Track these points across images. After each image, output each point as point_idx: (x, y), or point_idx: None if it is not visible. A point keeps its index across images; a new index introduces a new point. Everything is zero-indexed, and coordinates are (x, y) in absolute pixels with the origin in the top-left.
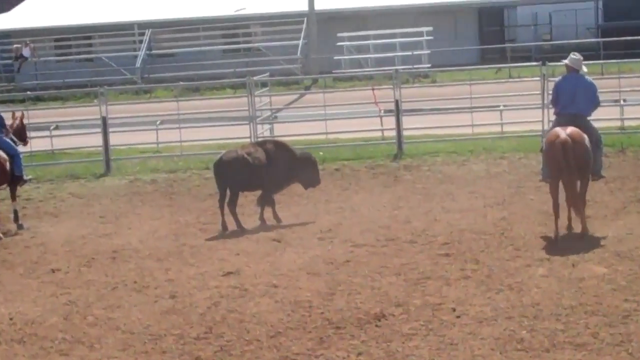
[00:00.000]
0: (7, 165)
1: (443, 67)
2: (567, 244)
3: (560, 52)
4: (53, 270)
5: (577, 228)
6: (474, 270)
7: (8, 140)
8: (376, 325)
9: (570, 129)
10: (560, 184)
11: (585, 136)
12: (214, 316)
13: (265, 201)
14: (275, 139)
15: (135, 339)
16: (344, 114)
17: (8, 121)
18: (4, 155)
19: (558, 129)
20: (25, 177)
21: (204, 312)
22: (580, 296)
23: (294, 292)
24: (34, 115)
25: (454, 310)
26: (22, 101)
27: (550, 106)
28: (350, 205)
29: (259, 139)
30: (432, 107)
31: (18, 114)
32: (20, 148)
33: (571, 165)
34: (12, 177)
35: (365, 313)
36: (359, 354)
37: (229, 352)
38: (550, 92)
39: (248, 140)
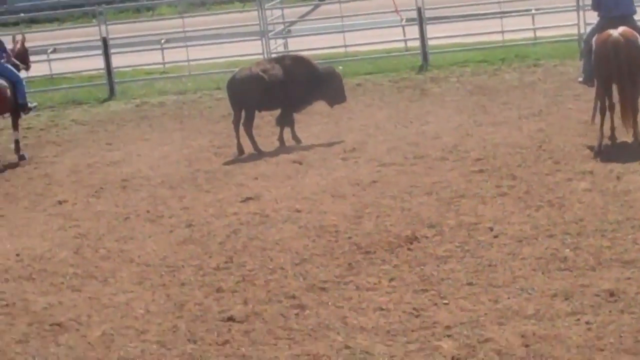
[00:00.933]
0: (8, 92)
1: None
2: (611, 154)
3: None
4: (60, 202)
5: (621, 137)
6: (510, 186)
7: (9, 66)
8: (408, 249)
9: (623, 29)
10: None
11: (639, 36)
12: (234, 245)
13: (285, 121)
14: (295, 53)
15: (151, 272)
16: (363, 25)
17: (8, 45)
18: (4, 83)
19: (609, 30)
20: (29, 105)
21: (223, 241)
22: (626, 210)
23: (319, 217)
24: (30, 39)
25: (491, 229)
26: (16, 24)
27: (589, 9)
28: (374, 122)
29: (276, 55)
30: (459, 14)
31: (19, 37)
32: (23, 73)
33: (623, 66)
34: (15, 105)
35: (395, 236)
36: (391, 279)
37: (251, 282)
38: None
39: (261, 57)
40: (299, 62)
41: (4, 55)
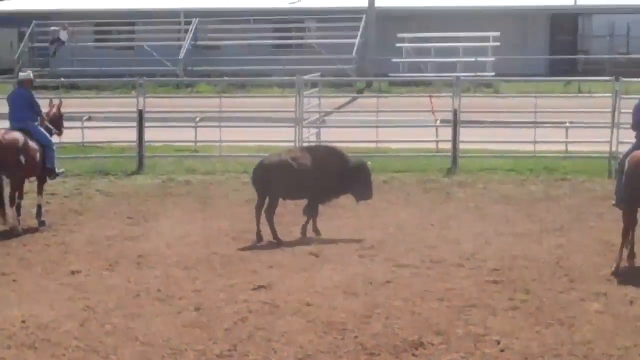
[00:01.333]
0: (38, 156)
1: (508, 77)
2: (627, 278)
3: (637, 68)
4: (73, 272)
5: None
6: (523, 300)
7: (42, 130)
8: (413, 355)
9: None
10: None
11: None
12: (240, 333)
13: (311, 212)
14: (328, 144)
15: (154, 353)
16: (398, 122)
17: (45, 109)
18: (36, 146)
19: None
20: (57, 171)
21: (230, 328)
22: (636, 337)
23: (328, 312)
24: (67, 105)
25: (499, 343)
26: (56, 88)
27: (624, 127)
28: (396, 222)
29: (309, 144)
30: (493, 120)
31: (56, 102)
32: (55, 139)
33: None
34: (42, 170)
35: (402, 340)
36: None
37: None
38: (623, 111)
39: (292, 144)
40: (331, 154)
41: (39, 118)
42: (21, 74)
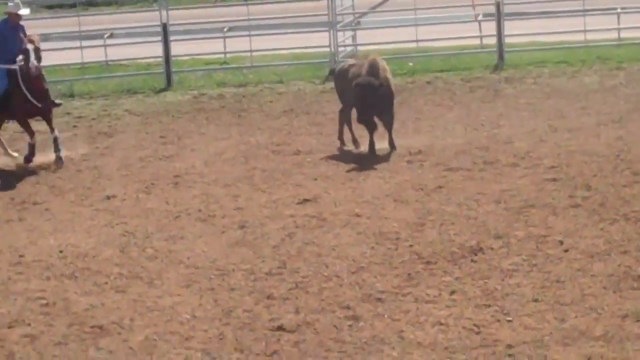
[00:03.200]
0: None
1: None
2: None
3: None
4: (108, 197)
5: None
6: (584, 197)
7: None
8: (472, 260)
9: None
10: None
11: None
12: (289, 249)
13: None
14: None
15: (200, 275)
16: (438, 19)
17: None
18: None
19: None
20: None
21: (277, 245)
22: None
23: (379, 222)
24: (86, 22)
25: (561, 243)
26: (73, 6)
27: None
28: (443, 124)
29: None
30: (539, 10)
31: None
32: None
33: None
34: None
35: (459, 246)
36: (452, 292)
37: (304, 290)
38: None
39: (327, 49)
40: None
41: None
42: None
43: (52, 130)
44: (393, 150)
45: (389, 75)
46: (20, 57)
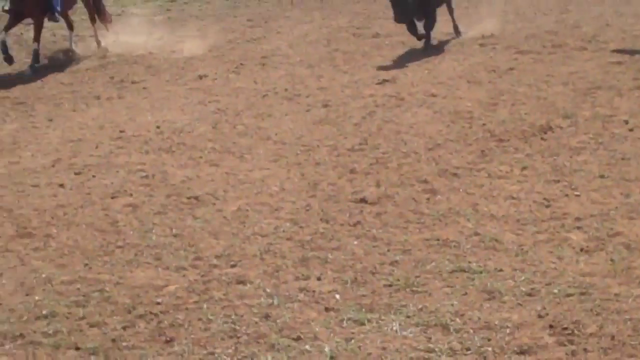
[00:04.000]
0: None
1: None
2: None
3: None
4: (200, 77)
5: None
6: None
7: None
8: (542, 138)
9: None
10: None
11: None
12: (369, 126)
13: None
14: None
15: (287, 150)
16: None
17: None
18: None
19: None
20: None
21: (359, 122)
22: None
23: (454, 102)
24: None
25: (627, 122)
26: None
27: None
28: (514, 9)
29: None
30: None
31: None
32: None
33: None
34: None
35: (530, 125)
36: (523, 168)
37: (384, 165)
38: None
39: None
40: None
41: None
42: None
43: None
44: (459, 36)
45: None
46: None
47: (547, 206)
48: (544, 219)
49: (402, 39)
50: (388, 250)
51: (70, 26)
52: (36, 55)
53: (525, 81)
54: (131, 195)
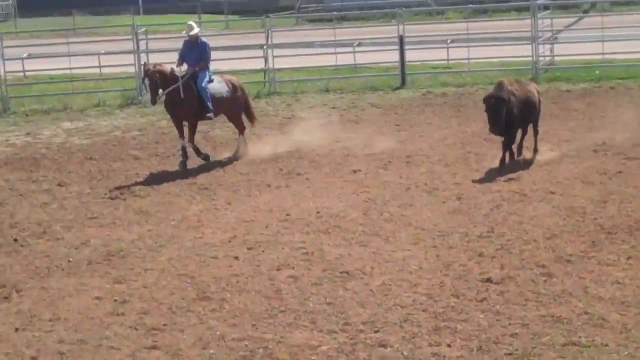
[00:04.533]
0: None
1: None
2: None
3: None
4: (354, 171)
5: None
6: None
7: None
8: None
9: None
10: None
11: None
12: (496, 217)
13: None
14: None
15: (425, 235)
16: (621, 36)
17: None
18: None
19: None
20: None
21: (487, 214)
22: None
23: (569, 199)
24: (340, 33)
25: None
26: (330, 20)
27: None
28: (623, 121)
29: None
30: None
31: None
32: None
33: None
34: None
35: (635, 221)
36: (629, 257)
37: (508, 251)
38: None
39: (530, 59)
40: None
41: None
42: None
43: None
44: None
45: (518, 92)
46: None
47: None
48: None
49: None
50: (509, 324)
51: (241, 129)
52: (184, 151)
53: (632, 183)
54: (293, 268)
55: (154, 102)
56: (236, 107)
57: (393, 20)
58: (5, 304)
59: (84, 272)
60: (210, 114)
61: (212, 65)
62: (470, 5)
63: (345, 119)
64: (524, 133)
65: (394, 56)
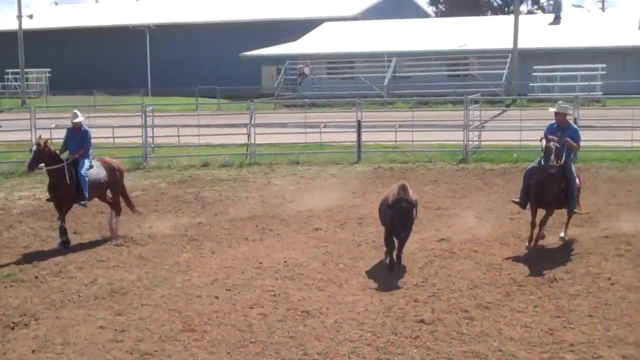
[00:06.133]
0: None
1: (613, 95)
2: None
3: None
4: (316, 229)
5: None
6: (627, 250)
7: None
8: (549, 286)
9: None
10: None
11: None
12: (429, 270)
13: None
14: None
15: (371, 283)
16: (535, 127)
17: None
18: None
19: None
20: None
21: (422, 267)
22: None
23: (489, 257)
24: (309, 117)
25: (609, 279)
26: (302, 106)
27: None
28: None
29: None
30: (603, 125)
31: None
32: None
33: None
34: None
35: (541, 276)
36: (535, 306)
37: (438, 297)
38: None
39: (461, 142)
40: None
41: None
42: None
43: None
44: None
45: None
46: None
47: (551, 334)
48: (548, 342)
49: (456, 211)
50: (437, 358)
51: (117, 210)
52: (63, 231)
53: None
54: (263, 307)
55: (31, 168)
56: (114, 188)
57: (353, 108)
58: (25, 330)
59: (91, 305)
60: (85, 202)
61: (92, 152)
62: (415, 98)
63: (310, 186)
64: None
65: (353, 137)
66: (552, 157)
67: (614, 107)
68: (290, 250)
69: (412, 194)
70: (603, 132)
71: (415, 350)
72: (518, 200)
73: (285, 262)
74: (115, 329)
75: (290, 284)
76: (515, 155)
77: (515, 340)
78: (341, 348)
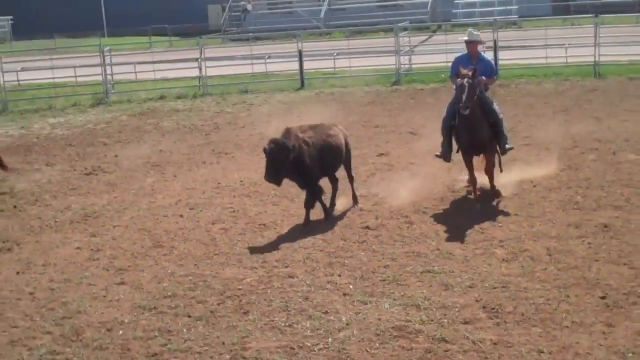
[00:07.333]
0: None
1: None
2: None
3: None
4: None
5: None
6: (546, 155)
7: None
8: (478, 191)
9: None
10: None
11: None
12: (372, 182)
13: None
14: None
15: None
16: (458, 49)
17: None
18: None
19: None
20: None
21: (365, 179)
22: (618, 173)
23: (425, 168)
24: (255, 49)
25: (532, 181)
26: (247, 40)
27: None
28: None
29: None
30: (520, 45)
31: None
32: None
33: None
34: None
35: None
36: (467, 209)
37: (381, 206)
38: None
39: (393, 66)
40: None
41: None
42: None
43: None
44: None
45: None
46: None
47: (482, 233)
48: (480, 240)
49: (396, 130)
50: (382, 258)
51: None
52: None
53: None
54: (224, 222)
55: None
56: None
57: (294, 40)
58: (9, 255)
59: (67, 229)
60: None
61: None
62: (350, 27)
63: (259, 112)
64: (344, 180)
65: (295, 66)
66: (464, 96)
67: (529, 28)
68: (245, 171)
69: (307, 136)
70: (520, 51)
71: (362, 253)
72: (440, 153)
73: (241, 181)
74: (91, 249)
75: (247, 200)
76: (442, 75)
77: (451, 240)
78: (296, 254)
